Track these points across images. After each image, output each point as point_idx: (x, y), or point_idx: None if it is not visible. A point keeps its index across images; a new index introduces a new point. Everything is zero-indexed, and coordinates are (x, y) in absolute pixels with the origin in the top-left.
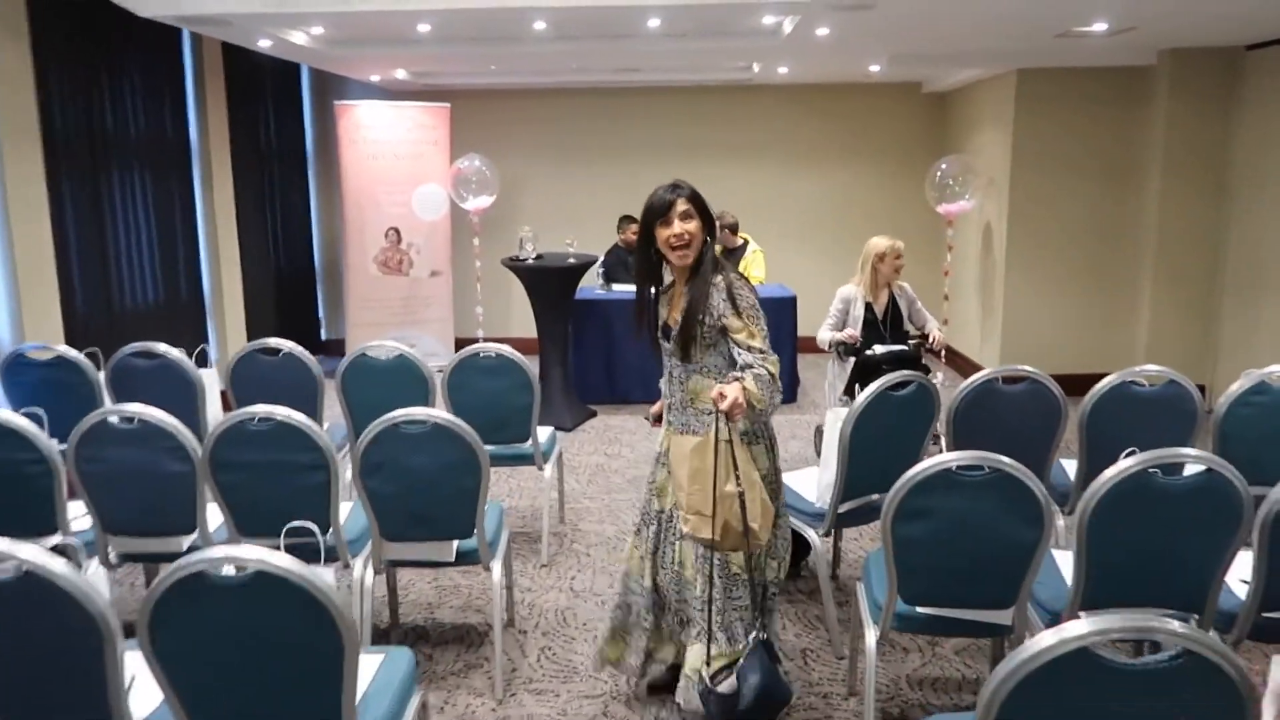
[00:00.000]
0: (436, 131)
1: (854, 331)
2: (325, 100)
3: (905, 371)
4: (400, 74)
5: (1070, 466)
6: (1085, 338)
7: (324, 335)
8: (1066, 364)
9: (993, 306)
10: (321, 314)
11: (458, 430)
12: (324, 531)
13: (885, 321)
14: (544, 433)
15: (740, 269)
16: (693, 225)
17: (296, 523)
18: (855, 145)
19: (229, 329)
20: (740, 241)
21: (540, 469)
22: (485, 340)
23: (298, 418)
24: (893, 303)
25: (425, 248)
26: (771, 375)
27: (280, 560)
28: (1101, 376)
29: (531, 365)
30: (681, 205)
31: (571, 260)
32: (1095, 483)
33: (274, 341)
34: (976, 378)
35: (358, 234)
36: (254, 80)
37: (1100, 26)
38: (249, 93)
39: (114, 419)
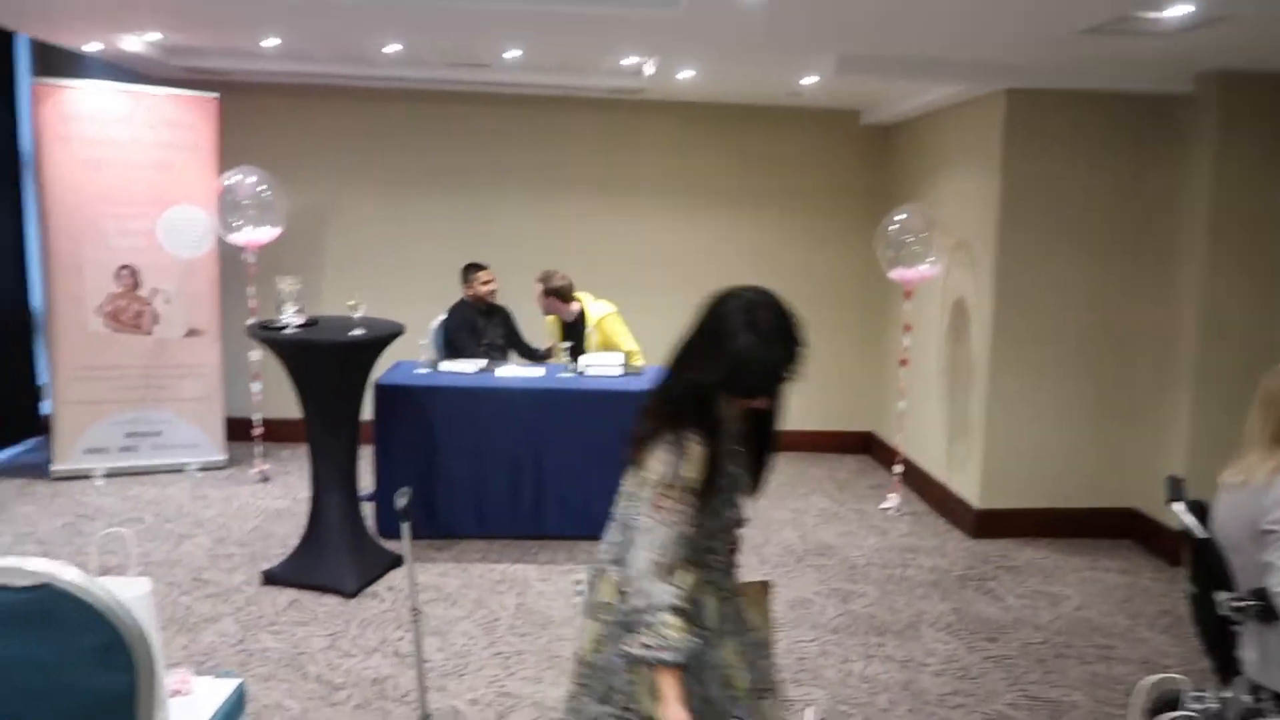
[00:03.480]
0: (197, 132)
1: None
2: None
3: None
4: (130, 43)
5: None
6: (1100, 465)
7: (48, 408)
8: (1073, 497)
9: (968, 415)
10: (47, 379)
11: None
12: None
13: None
14: (198, 711)
15: (595, 347)
16: None
17: None
18: (779, 187)
19: None
20: (578, 308)
21: None
22: (261, 429)
23: None
24: None
25: (179, 296)
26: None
27: None
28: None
29: (121, 604)
30: None
31: (357, 332)
32: None
33: None
34: None
35: (70, 273)
36: None
37: (1178, 10)
38: None
39: None
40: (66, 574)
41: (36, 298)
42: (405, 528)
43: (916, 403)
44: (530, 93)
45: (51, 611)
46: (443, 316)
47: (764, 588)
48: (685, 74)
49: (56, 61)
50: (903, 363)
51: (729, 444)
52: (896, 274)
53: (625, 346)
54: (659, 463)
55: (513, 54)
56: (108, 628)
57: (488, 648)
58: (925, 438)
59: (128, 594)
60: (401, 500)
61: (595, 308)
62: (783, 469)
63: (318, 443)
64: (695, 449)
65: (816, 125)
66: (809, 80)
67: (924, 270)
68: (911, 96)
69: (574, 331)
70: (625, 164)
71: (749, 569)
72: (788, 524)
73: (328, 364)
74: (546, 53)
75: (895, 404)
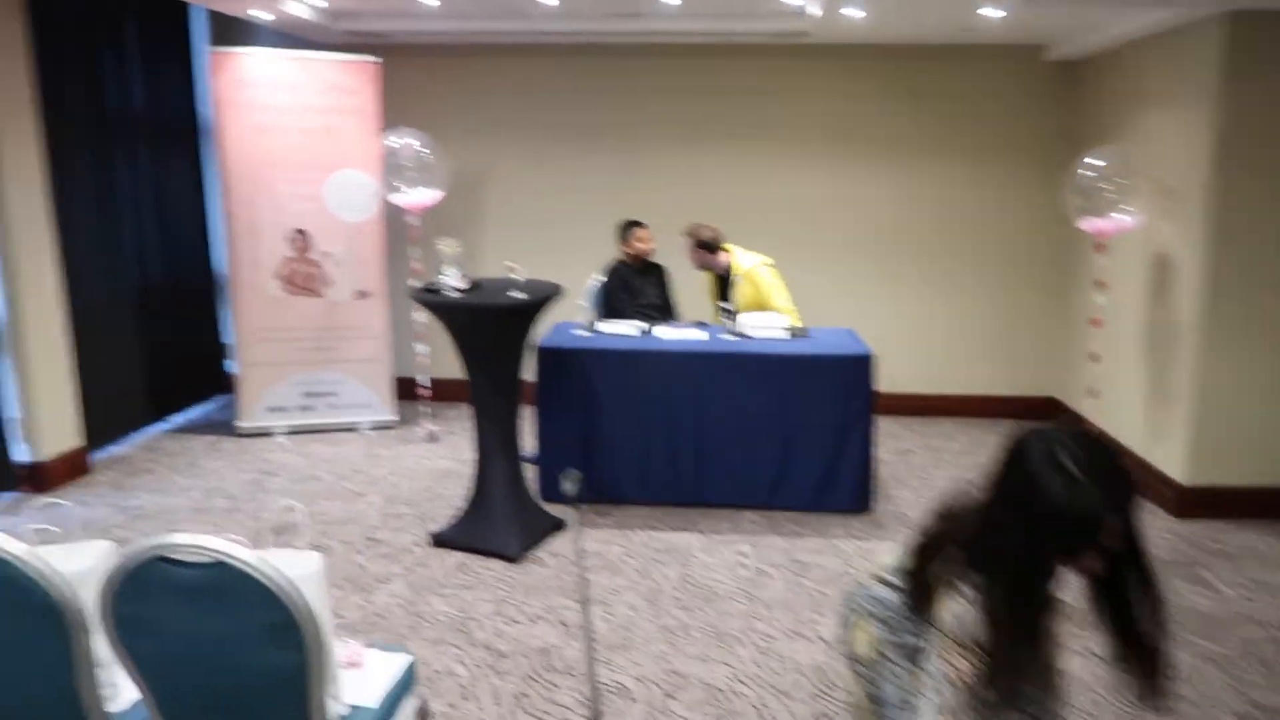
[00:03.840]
0: (360, 96)
1: None
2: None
3: None
4: (296, 8)
5: None
6: None
7: (235, 368)
8: None
9: (1172, 381)
10: (232, 340)
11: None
12: None
13: None
14: (371, 685)
15: (740, 303)
16: None
17: None
18: (952, 132)
19: (39, 374)
20: (726, 261)
21: None
22: (427, 388)
23: None
24: None
25: (347, 259)
26: None
27: None
28: None
29: (292, 584)
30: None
31: (516, 294)
32: None
33: None
34: None
35: (248, 237)
36: (98, 18)
37: None
38: (85, 33)
39: None
40: (240, 553)
41: (221, 261)
42: (575, 515)
43: (1109, 367)
44: (687, 41)
45: (226, 588)
46: (600, 277)
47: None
48: (853, 13)
49: (230, 31)
50: (1094, 323)
51: (1043, 619)
52: (1088, 225)
53: (775, 301)
54: (949, 613)
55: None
56: (280, 607)
57: (652, 620)
58: (1119, 406)
59: (299, 570)
60: (570, 486)
61: (744, 259)
62: (957, 436)
63: (481, 406)
64: (993, 617)
65: (994, 63)
66: (991, 13)
67: (1120, 220)
68: (1107, 26)
69: (724, 291)
70: (786, 113)
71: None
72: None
73: (488, 327)
74: None
75: (1084, 368)
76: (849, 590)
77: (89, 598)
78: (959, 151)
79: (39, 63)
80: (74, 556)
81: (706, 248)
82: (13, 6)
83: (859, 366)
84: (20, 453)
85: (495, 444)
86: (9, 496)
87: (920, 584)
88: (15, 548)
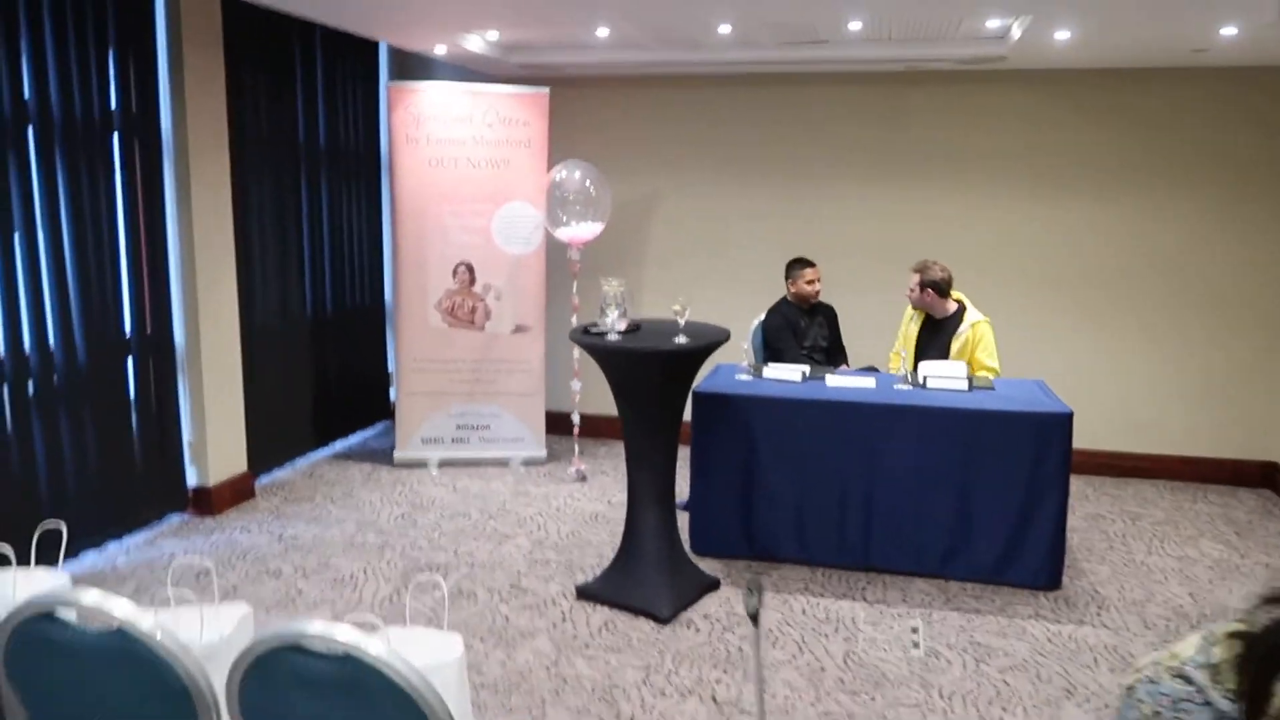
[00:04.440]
0: (530, 128)
1: None
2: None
3: None
4: (473, 42)
5: None
6: None
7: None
8: None
9: None
10: (393, 369)
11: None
12: None
13: None
14: None
15: (955, 353)
16: None
17: None
18: (1167, 164)
19: (212, 400)
20: (954, 307)
21: None
22: (579, 425)
23: None
24: None
25: (509, 292)
26: None
27: None
28: None
29: (427, 683)
30: None
31: (680, 340)
32: None
33: None
34: None
35: (415, 269)
36: (289, 53)
37: None
38: (276, 68)
39: None
40: (371, 647)
41: (388, 293)
42: (756, 633)
43: None
44: (869, 69)
45: (356, 684)
46: (762, 316)
47: None
48: (1061, 35)
49: (411, 65)
50: None
51: None
52: None
53: (989, 361)
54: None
55: (855, 24)
56: (413, 710)
57: (814, 704)
58: None
59: (437, 656)
60: (753, 601)
61: (974, 310)
62: (1158, 502)
63: (635, 452)
64: None
65: (1222, 86)
66: (1229, 31)
67: None
68: None
69: (933, 335)
70: (973, 143)
71: (1126, 631)
72: (1173, 576)
73: (649, 373)
74: (897, 20)
75: None
76: (1131, 684)
77: (221, 670)
78: (1172, 184)
79: (231, 95)
80: (210, 623)
81: (936, 289)
82: (213, 40)
83: (1056, 425)
84: (190, 475)
85: (649, 494)
86: (177, 518)
87: (1256, 692)
88: (146, 624)
